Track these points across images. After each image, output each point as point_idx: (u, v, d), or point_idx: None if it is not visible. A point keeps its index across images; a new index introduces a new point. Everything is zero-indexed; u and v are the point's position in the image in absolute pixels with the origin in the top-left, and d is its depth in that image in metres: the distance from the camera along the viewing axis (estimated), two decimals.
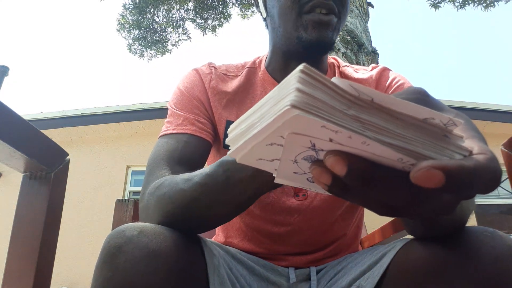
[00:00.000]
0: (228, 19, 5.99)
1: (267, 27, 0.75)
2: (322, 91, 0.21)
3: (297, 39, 0.64)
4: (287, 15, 0.65)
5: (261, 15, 0.76)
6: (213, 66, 0.76)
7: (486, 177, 0.22)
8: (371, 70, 0.76)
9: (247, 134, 0.25)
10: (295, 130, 0.23)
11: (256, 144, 0.25)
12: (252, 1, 0.80)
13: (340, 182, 0.24)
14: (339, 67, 0.77)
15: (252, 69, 0.76)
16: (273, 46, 0.73)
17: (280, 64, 0.72)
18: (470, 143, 0.25)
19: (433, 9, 4.97)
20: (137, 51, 5.88)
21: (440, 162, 0.21)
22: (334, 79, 0.22)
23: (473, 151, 0.24)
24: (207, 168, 0.47)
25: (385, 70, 0.75)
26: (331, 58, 0.79)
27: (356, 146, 0.23)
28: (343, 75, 0.76)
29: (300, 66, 0.21)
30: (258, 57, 0.79)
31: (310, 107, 0.21)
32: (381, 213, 0.27)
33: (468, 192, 0.22)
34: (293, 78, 0.21)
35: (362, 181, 0.23)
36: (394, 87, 0.71)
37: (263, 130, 0.23)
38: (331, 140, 0.23)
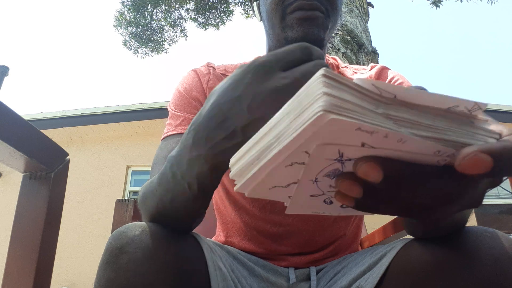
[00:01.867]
0: (231, 15, 5.99)
1: (264, 31, 0.76)
2: (349, 93, 0.20)
3: (285, 40, 0.64)
4: (273, 18, 0.65)
5: (258, 19, 0.77)
6: (211, 66, 0.77)
7: None
8: (370, 70, 0.76)
9: (259, 161, 0.24)
10: (326, 139, 0.21)
11: (274, 168, 0.24)
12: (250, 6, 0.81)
13: (372, 193, 0.23)
14: (338, 67, 0.77)
15: None
16: (268, 48, 0.74)
17: None
18: (496, 127, 0.24)
19: (434, 7, 4.95)
20: (132, 47, 5.89)
21: (485, 146, 0.21)
22: (355, 80, 0.21)
23: (502, 134, 0.24)
24: (163, 167, 0.46)
25: (383, 69, 0.75)
26: (331, 58, 0.79)
27: (391, 146, 0.21)
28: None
29: (321, 71, 0.20)
30: (258, 57, 0.79)
31: (342, 110, 0.20)
32: (418, 216, 0.26)
33: (509, 173, 0.22)
34: (316, 84, 0.21)
35: (399, 184, 0.22)
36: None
37: (288, 146, 0.22)
38: (363, 145, 0.21)
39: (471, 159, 0.21)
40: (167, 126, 0.69)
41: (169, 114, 0.71)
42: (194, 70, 0.76)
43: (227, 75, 0.76)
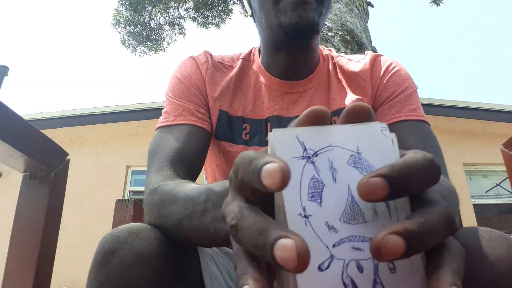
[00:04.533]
0: (230, 14, 5.98)
1: (256, 25, 0.75)
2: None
3: (278, 26, 0.63)
4: (265, 5, 0.64)
5: (247, 13, 0.76)
6: (209, 54, 0.75)
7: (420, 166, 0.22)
8: (365, 56, 0.75)
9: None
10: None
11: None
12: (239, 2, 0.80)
13: None
14: (333, 58, 0.77)
15: (247, 61, 0.76)
16: (262, 40, 0.72)
17: (271, 57, 0.71)
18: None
19: (434, 5, 4.93)
20: (130, 46, 5.86)
21: (376, 171, 0.21)
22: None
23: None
24: (194, 189, 0.43)
25: (377, 57, 0.74)
26: (326, 49, 0.78)
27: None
28: (338, 66, 0.75)
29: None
30: (253, 48, 0.79)
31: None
32: None
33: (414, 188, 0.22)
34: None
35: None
36: (391, 73, 0.70)
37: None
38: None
39: (363, 186, 0.21)
40: (164, 115, 0.67)
41: (167, 101, 0.69)
42: (192, 57, 0.74)
43: (224, 65, 0.74)
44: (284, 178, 0.19)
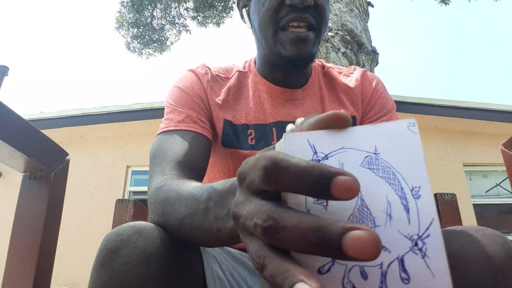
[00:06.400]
0: (230, 12, 5.99)
1: (254, 39, 0.78)
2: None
3: (277, 54, 0.67)
4: (266, 30, 0.68)
5: (247, 26, 0.78)
6: (207, 67, 0.78)
7: None
8: (354, 70, 0.81)
9: None
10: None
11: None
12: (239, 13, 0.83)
13: None
14: (323, 68, 0.82)
15: (243, 72, 0.79)
16: (259, 54, 0.76)
17: (268, 70, 0.76)
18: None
19: (444, 5, 4.92)
20: (136, 49, 5.87)
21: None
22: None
23: None
24: (197, 187, 0.43)
25: (365, 73, 0.80)
26: (317, 60, 0.83)
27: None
28: (328, 76, 0.80)
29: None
30: (247, 61, 0.82)
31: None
32: None
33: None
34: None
35: None
36: (378, 94, 0.77)
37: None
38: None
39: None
40: (165, 121, 0.67)
41: (168, 109, 0.69)
42: (192, 70, 0.76)
43: (220, 76, 0.78)
44: (356, 191, 0.19)
